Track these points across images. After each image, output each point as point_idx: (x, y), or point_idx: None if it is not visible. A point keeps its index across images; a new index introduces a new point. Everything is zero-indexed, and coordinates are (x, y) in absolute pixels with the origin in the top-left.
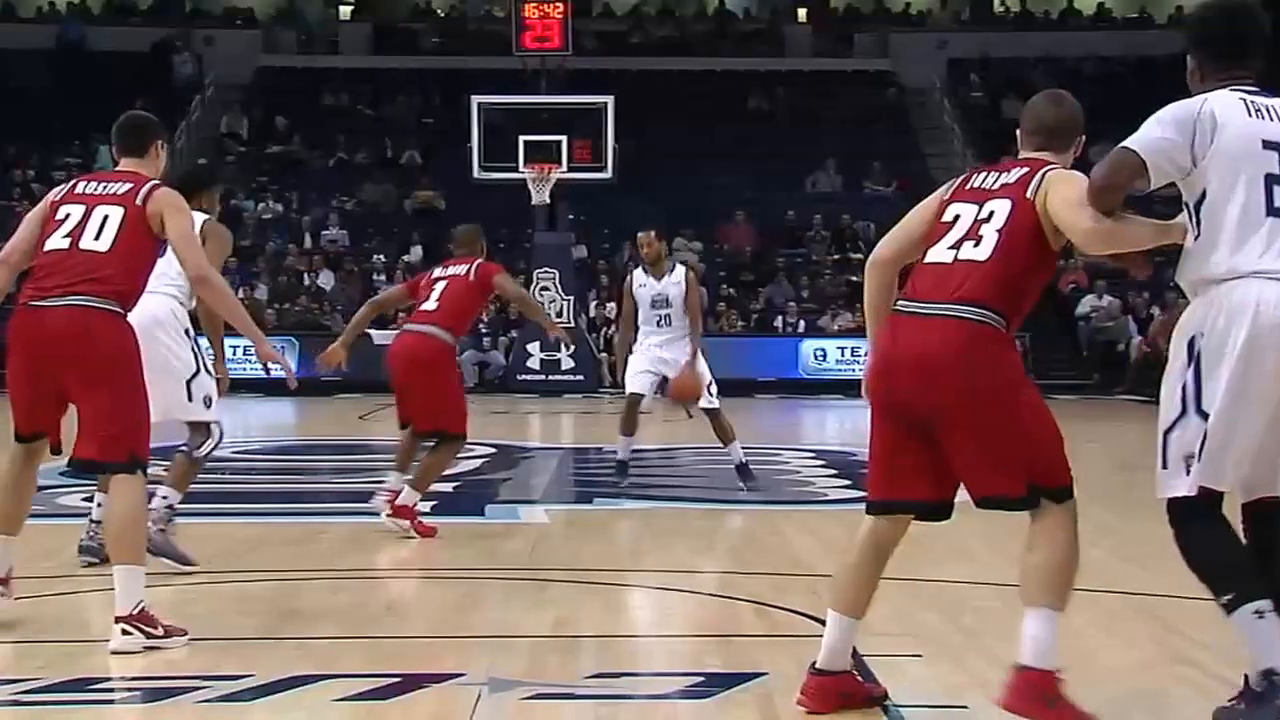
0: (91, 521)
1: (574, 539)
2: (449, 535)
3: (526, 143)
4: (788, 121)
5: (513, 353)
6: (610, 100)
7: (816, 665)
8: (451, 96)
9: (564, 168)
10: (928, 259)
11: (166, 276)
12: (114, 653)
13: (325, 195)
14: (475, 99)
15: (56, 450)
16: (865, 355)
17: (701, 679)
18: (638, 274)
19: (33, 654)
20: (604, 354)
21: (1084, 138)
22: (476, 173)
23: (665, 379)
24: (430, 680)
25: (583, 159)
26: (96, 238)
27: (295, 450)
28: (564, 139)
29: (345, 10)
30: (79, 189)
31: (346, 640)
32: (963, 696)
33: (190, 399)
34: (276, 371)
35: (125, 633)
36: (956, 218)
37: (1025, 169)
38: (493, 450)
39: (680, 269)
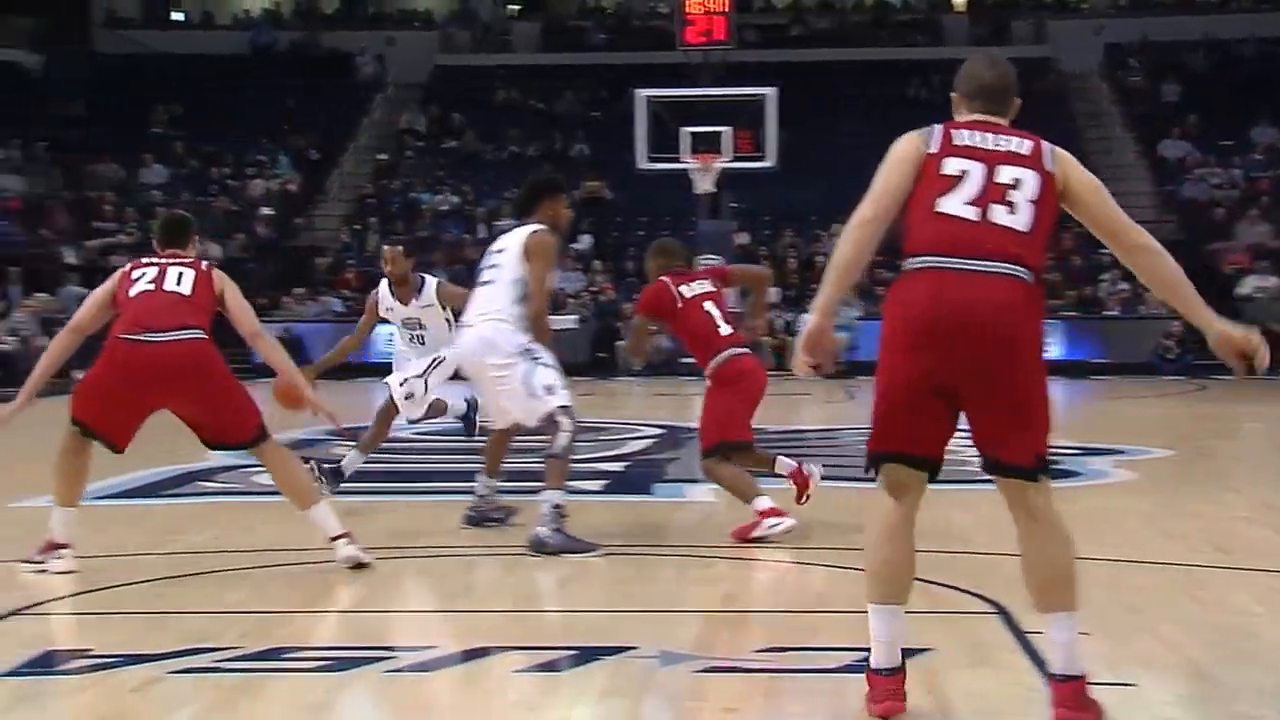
0: (477, 495)
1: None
2: (619, 513)
3: (690, 134)
4: (946, 109)
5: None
6: (773, 91)
7: (892, 667)
8: (618, 90)
9: (727, 158)
10: (941, 209)
11: (495, 308)
12: (345, 559)
13: (498, 187)
14: (640, 93)
15: (120, 451)
16: (812, 315)
17: (868, 653)
18: (384, 292)
19: (234, 624)
20: (776, 337)
21: (1020, 102)
22: (642, 164)
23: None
24: (604, 653)
25: (745, 149)
26: (178, 283)
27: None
28: (727, 130)
29: (516, 9)
30: (146, 261)
31: (522, 614)
32: (1131, 674)
33: (535, 396)
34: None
35: (349, 543)
36: (963, 173)
37: (1028, 140)
38: (660, 431)
39: (430, 287)
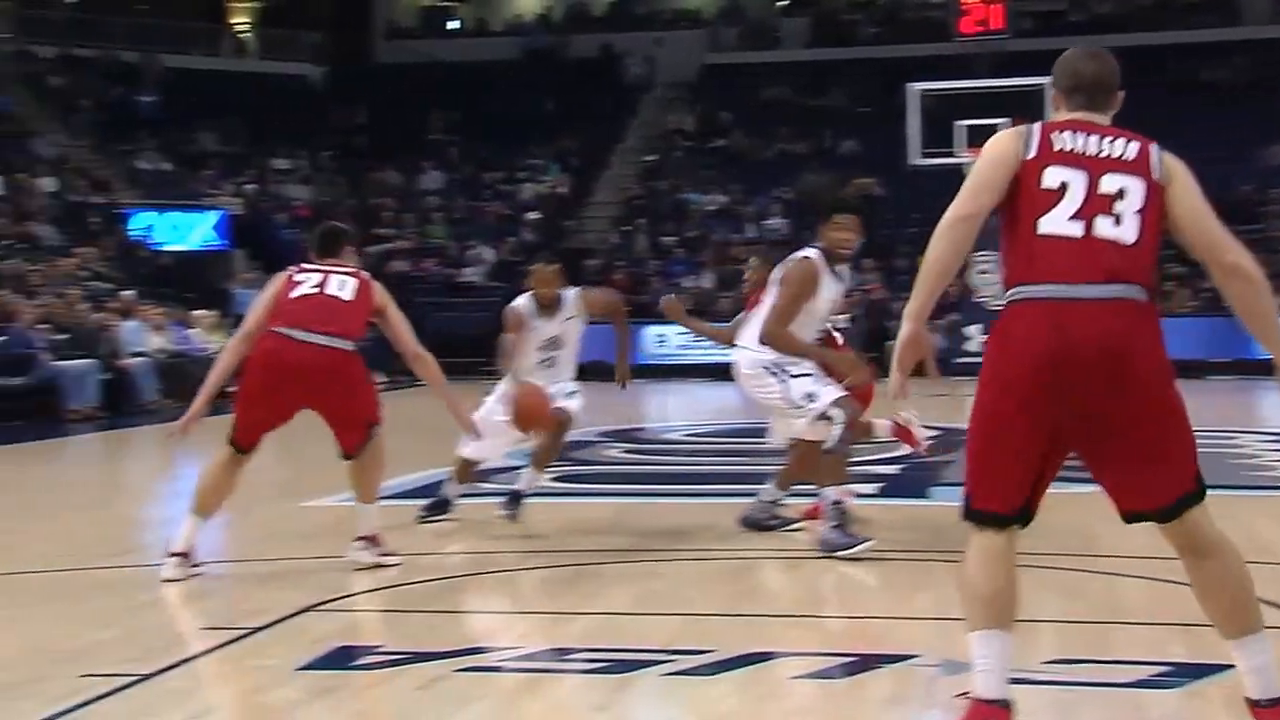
0: (759, 498)
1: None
2: (895, 518)
3: (965, 127)
4: (1242, 92)
5: (952, 335)
6: (1051, 80)
7: (999, 699)
8: (888, 84)
9: None
10: (1045, 230)
11: (750, 332)
12: (353, 560)
13: (767, 186)
14: (913, 86)
15: (243, 451)
16: (905, 322)
17: (1167, 668)
18: (526, 305)
19: (513, 624)
20: None
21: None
22: (914, 160)
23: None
24: (885, 660)
25: None
26: (340, 289)
27: (744, 433)
28: (1003, 122)
29: (784, 4)
30: (309, 267)
31: (801, 618)
32: None
33: (797, 410)
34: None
35: (364, 548)
36: (1064, 185)
37: (1135, 142)
38: (935, 433)
39: (570, 298)
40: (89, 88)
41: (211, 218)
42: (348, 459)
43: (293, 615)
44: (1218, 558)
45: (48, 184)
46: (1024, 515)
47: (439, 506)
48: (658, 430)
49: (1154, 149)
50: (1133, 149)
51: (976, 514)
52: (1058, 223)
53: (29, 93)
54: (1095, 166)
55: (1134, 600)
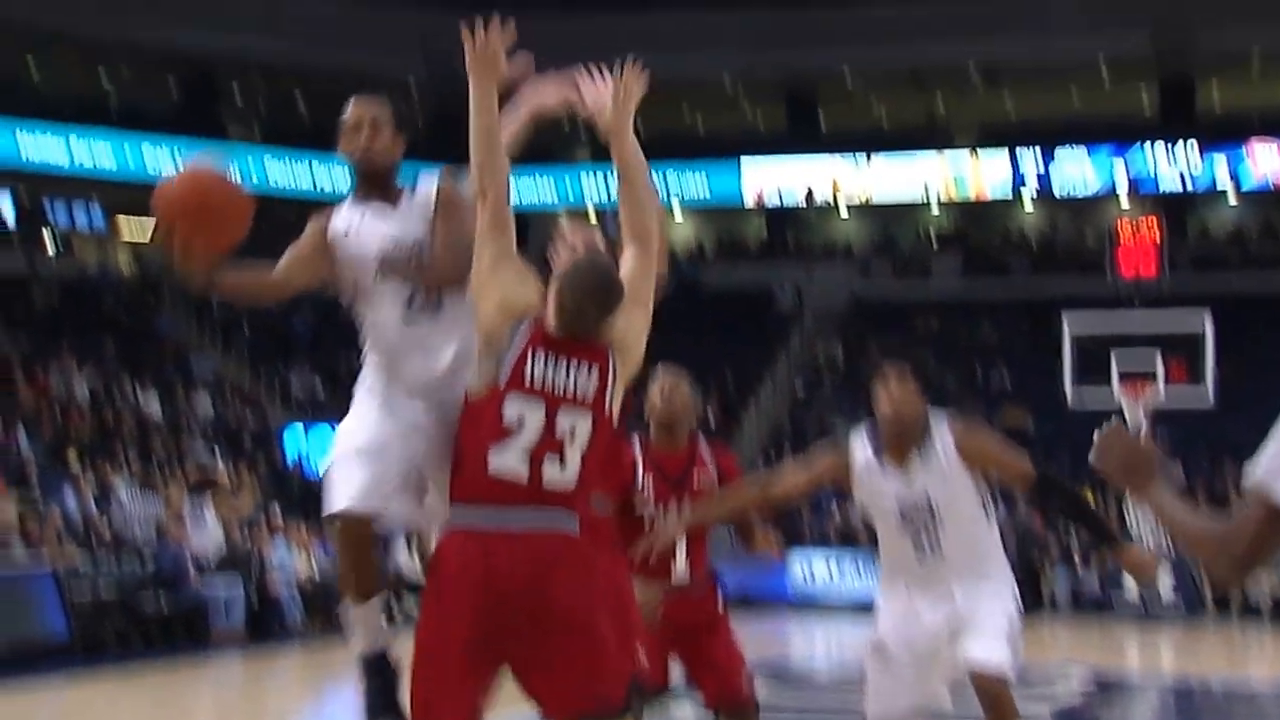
0: None
1: None
2: None
3: (1119, 364)
4: None
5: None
6: (1209, 321)
7: None
8: (1040, 320)
9: (1158, 392)
10: (493, 468)
11: None
12: None
13: None
14: (1069, 321)
15: None
16: None
17: None
18: (860, 452)
19: None
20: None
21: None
22: (1073, 404)
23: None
24: None
25: (1178, 379)
26: None
27: None
28: (1158, 360)
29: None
30: None
31: None
32: None
33: None
34: None
35: None
36: (520, 420)
37: (598, 367)
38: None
39: (939, 430)
40: (245, 309)
41: None
42: None
43: None
44: None
45: (204, 404)
46: None
47: None
48: (802, 664)
49: (610, 370)
50: (593, 377)
51: None
52: (505, 461)
53: (188, 314)
54: (554, 402)
55: None
